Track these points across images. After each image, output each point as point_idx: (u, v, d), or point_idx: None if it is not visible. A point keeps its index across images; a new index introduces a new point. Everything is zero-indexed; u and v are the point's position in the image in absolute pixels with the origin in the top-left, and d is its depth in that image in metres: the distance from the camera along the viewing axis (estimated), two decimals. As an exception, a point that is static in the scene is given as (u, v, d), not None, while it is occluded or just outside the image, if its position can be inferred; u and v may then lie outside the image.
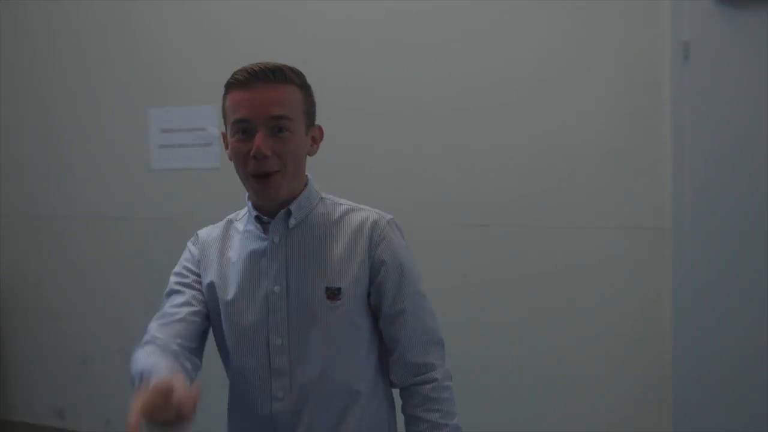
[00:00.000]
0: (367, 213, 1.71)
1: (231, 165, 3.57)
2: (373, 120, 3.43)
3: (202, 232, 1.80)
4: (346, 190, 1.89)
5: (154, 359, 1.49)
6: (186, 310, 1.66)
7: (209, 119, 3.77)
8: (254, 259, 1.67)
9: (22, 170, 4.40)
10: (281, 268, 1.65)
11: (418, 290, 1.71)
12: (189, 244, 1.80)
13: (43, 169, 4.33)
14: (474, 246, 3.28)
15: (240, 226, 1.75)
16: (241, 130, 1.60)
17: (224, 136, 1.69)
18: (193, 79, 3.82)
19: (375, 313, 1.70)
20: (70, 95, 4.21)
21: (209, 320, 1.72)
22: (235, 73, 1.62)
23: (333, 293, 1.63)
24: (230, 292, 1.67)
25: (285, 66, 1.63)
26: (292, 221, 1.67)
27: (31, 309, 4.46)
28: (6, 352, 4.58)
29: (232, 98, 1.61)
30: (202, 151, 3.81)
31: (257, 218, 1.70)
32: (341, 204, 1.74)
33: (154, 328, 1.63)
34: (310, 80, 1.71)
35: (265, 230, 1.68)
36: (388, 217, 1.72)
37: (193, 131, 3.83)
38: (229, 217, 1.81)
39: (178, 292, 1.71)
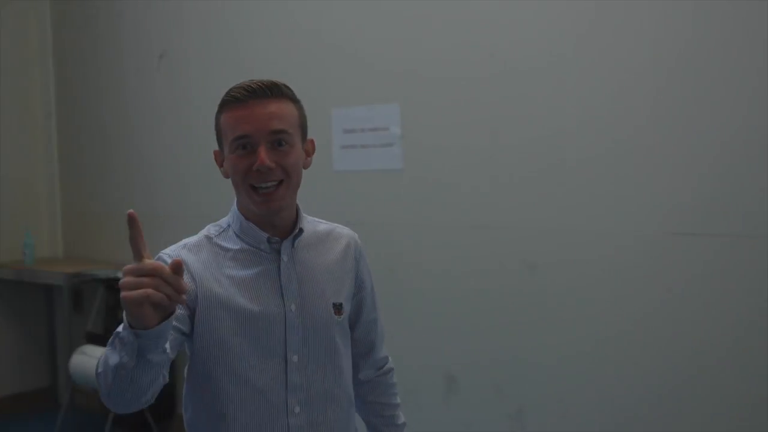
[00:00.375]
0: (342, 230, 1.86)
1: (414, 167, 3.49)
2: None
3: (179, 254, 1.68)
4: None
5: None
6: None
7: (392, 118, 3.63)
8: (265, 278, 1.68)
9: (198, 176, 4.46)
10: (294, 288, 1.69)
11: (378, 304, 1.94)
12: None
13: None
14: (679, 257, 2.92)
15: (227, 243, 1.72)
16: (242, 146, 1.63)
17: (216, 154, 1.74)
18: (376, 77, 3.70)
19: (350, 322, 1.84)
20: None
21: (179, 349, 1.65)
22: (230, 90, 1.66)
23: (338, 308, 1.74)
24: (244, 313, 1.65)
25: (278, 82, 1.68)
26: (299, 241, 1.74)
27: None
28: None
29: (229, 116, 1.65)
30: (384, 151, 3.68)
31: (265, 238, 1.70)
32: (318, 221, 1.85)
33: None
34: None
35: (271, 249, 1.71)
36: (356, 234, 1.88)
37: (375, 131, 3.71)
38: (206, 234, 1.76)
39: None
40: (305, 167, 1.75)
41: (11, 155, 5.37)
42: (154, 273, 1.30)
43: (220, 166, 1.73)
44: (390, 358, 2.00)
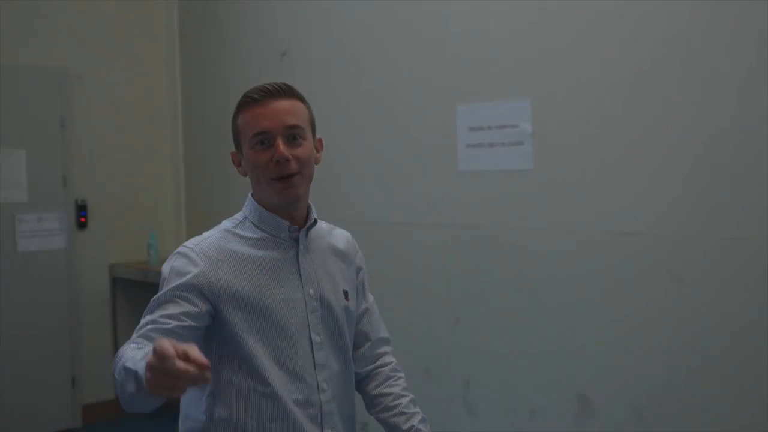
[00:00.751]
0: (340, 229, 2.03)
1: (545, 167, 3.19)
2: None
3: (201, 246, 1.79)
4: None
5: (143, 351, 1.50)
6: (174, 323, 1.66)
7: (521, 115, 3.37)
8: (285, 264, 1.82)
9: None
10: (312, 273, 1.84)
11: (372, 297, 2.08)
12: (190, 256, 1.76)
13: (344, 173, 4.23)
14: None
15: (246, 233, 1.84)
16: (260, 142, 1.77)
17: (234, 156, 1.87)
18: (505, 70, 3.45)
19: None
20: (375, 97, 4.06)
21: (216, 343, 1.76)
22: (246, 93, 1.80)
23: (346, 295, 1.91)
24: (269, 298, 1.77)
25: (289, 84, 1.83)
26: (311, 231, 1.89)
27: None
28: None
29: (248, 115, 1.79)
30: (512, 150, 3.42)
31: (287, 226, 1.83)
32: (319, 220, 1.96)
33: (142, 334, 1.65)
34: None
35: (289, 237, 1.84)
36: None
37: (503, 129, 3.46)
38: (224, 227, 1.86)
39: (172, 303, 1.70)
40: (316, 163, 1.87)
41: (139, 156, 5.43)
42: (180, 375, 1.28)
43: (238, 165, 1.86)
44: (396, 363, 2.05)
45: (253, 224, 1.84)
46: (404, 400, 1.95)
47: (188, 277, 1.71)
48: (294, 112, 1.80)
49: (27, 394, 4.86)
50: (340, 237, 1.99)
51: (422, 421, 1.93)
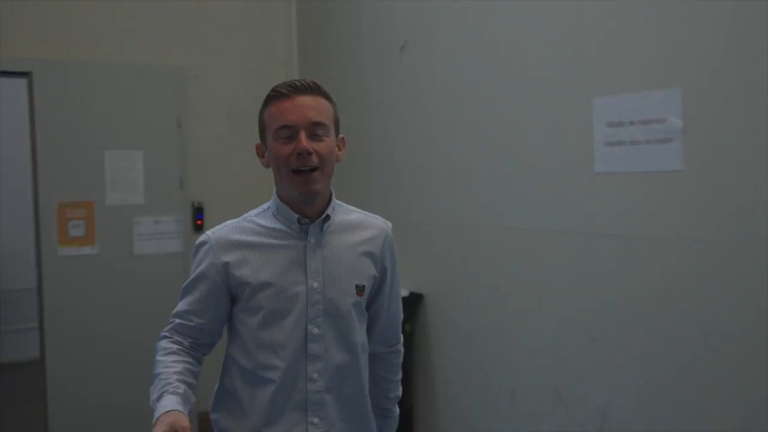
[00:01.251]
0: (376, 220, 2.04)
1: (699, 168, 2.71)
2: None
3: (222, 234, 1.94)
4: None
5: (171, 367, 1.86)
6: (198, 320, 1.94)
7: (670, 107, 2.92)
8: (293, 256, 1.90)
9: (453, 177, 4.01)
10: (319, 267, 1.90)
11: (398, 290, 2.13)
12: (206, 248, 1.94)
13: (467, 173, 3.89)
14: None
15: (264, 222, 1.94)
16: (284, 135, 1.85)
17: (258, 147, 1.97)
18: (651, 56, 3.01)
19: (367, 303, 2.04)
20: (501, 90, 3.70)
21: (227, 320, 1.97)
22: (276, 87, 1.88)
23: (360, 290, 1.95)
24: (271, 288, 1.88)
25: (317, 82, 1.90)
26: (328, 226, 1.94)
27: (460, 328, 4.05)
28: (435, 371, 4.23)
29: (274, 108, 1.87)
30: (659, 149, 2.98)
31: (296, 218, 1.91)
32: (353, 210, 2.04)
33: (175, 327, 1.96)
34: None
35: (300, 230, 1.92)
36: (390, 225, 2.07)
37: (647, 124, 3.02)
38: (246, 216, 1.98)
39: (193, 295, 1.95)
40: (338, 160, 1.94)
41: (256, 157, 5.25)
42: None
43: (262, 157, 1.96)
44: (401, 342, 2.21)
45: (272, 214, 1.95)
46: (391, 385, 2.20)
47: (204, 266, 1.92)
48: (319, 108, 1.87)
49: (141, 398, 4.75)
50: (369, 228, 2.03)
51: (392, 403, 2.22)
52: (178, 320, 1.95)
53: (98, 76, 4.77)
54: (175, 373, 1.83)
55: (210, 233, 1.95)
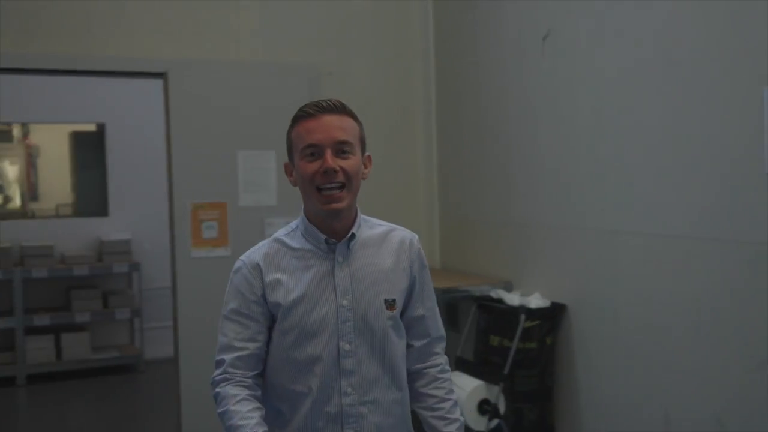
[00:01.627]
0: (401, 232, 2.08)
1: None
2: None
3: (255, 258, 1.98)
4: None
5: (250, 419, 1.88)
6: (253, 345, 1.96)
7: None
8: (321, 276, 1.95)
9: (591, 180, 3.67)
10: (347, 285, 1.96)
11: (434, 297, 2.14)
12: (244, 272, 1.98)
13: (623, 172, 3.53)
14: None
15: (293, 243, 1.99)
16: (310, 153, 1.91)
17: (287, 166, 2.01)
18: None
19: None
20: (653, 78, 3.32)
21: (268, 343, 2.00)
22: (303, 107, 1.95)
23: (390, 304, 1.99)
24: (302, 307, 1.93)
25: (342, 101, 1.96)
26: (354, 244, 1.99)
27: (606, 342, 3.71)
28: (579, 388, 3.90)
29: (301, 128, 1.94)
30: None
31: (323, 239, 1.96)
32: (378, 224, 2.08)
33: (230, 363, 1.95)
34: None
35: (328, 249, 1.97)
36: (416, 236, 2.10)
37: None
38: (276, 237, 2.01)
39: (240, 323, 1.96)
40: (364, 178, 1.99)
41: (390, 156, 5.06)
42: None
43: (290, 175, 2.00)
44: (446, 358, 2.15)
45: (301, 234, 1.99)
46: (447, 405, 2.09)
47: (244, 291, 1.95)
48: (344, 127, 1.92)
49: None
50: (395, 242, 2.05)
51: (459, 428, 2.08)
52: (232, 355, 1.95)
53: (232, 76, 4.70)
54: (257, 425, 1.87)
55: (245, 258, 2.00)
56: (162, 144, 4.75)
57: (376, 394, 1.97)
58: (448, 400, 2.10)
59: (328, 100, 1.94)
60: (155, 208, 6.55)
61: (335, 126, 1.91)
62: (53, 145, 7.45)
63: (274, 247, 1.99)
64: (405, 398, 2.05)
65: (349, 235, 1.97)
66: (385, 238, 2.04)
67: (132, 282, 7.15)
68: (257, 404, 1.92)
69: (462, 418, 2.11)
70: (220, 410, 1.89)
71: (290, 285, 1.94)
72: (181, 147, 4.61)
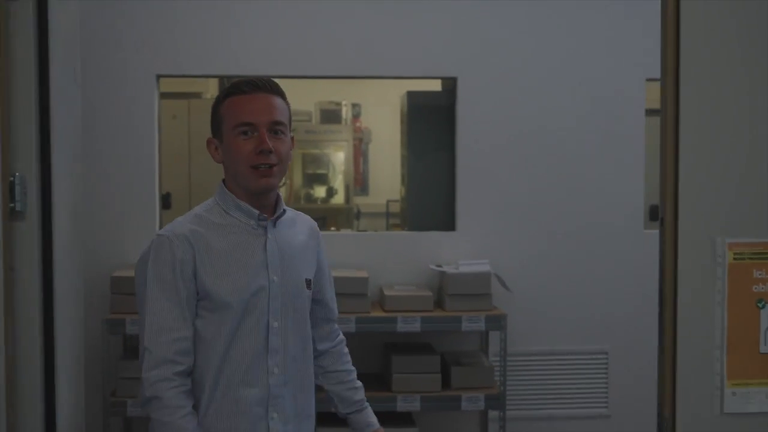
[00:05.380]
0: (305, 216, 2.15)
1: None
2: None
3: (180, 231, 1.90)
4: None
5: None
6: (189, 330, 1.88)
7: None
8: (252, 251, 1.93)
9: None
10: (277, 261, 1.96)
11: (332, 283, 2.23)
12: (171, 247, 1.89)
13: None
14: None
15: (217, 219, 1.95)
16: (244, 132, 1.90)
17: (210, 142, 1.98)
18: None
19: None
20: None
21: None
22: (236, 83, 1.95)
23: (308, 283, 2.05)
24: (234, 284, 1.90)
25: (274, 81, 1.98)
26: (280, 222, 2.00)
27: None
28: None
29: (234, 105, 1.92)
30: None
31: (257, 214, 1.95)
32: (287, 207, 2.08)
33: (170, 353, 1.85)
34: None
35: (258, 226, 1.96)
36: (314, 221, 2.17)
37: None
38: (196, 212, 1.97)
39: (173, 302, 1.87)
40: (289, 160, 2.01)
41: None
42: None
43: (214, 152, 1.98)
44: (340, 332, 2.24)
45: (223, 210, 1.96)
46: (353, 375, 2.21)
47: (170, 266, 1.86)
48: (280, 108, 1.95)
49: None
50: (305, 224, 2.10)
51: (362, 391, 2.20)
52: (169, 343, 1.85)
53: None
54: None
55: (167, 233, 1.91)
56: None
57: (295, 373, 1.97)
58: (353, 370, 2.21)
59: (261, 79, 1.94)
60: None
61: (271, 105, 1.92)
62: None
63: (198, 222, 1.93)
64: (312, 374, 2.06)
65: (281, 211, 1.98)
66: (296, 220, 2.07)
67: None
68: (196, 414, 1.86)
69: (361, 384, 2.20)
70: (163, 418, 1.82)
71: (221, 261, 1.89)
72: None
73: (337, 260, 4.22)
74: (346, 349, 2.23)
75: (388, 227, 6.67)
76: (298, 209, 2.14)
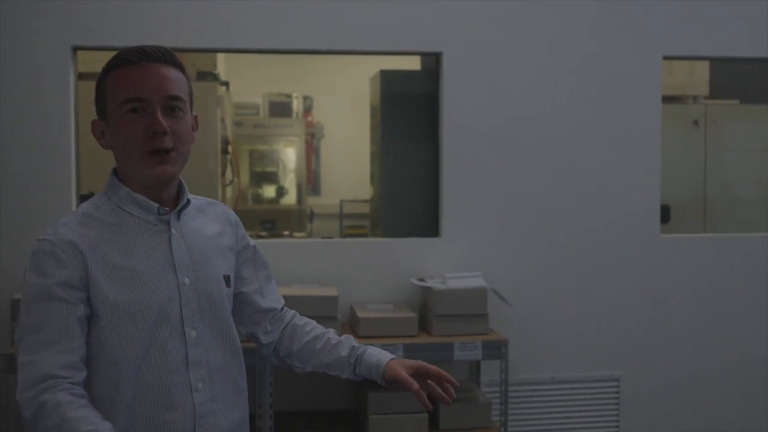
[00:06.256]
0: (216, 203, 1.86)
1: None
2: None
3: (65, 235, 1.60)
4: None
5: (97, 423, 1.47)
6: (78, 342, 1.56)
7: None
8: (154, 252, 1.66)
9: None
10: (186, 259, 1.68)
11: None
12: (54, 251, 1.58)
13: None
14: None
15: (111, 218, 1.66)
16: (133, 110, 1.61)
17: (95, 125, 1.68)
18: None
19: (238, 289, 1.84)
20: None
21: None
22: (119, 53, 1.63)
23: (227, 281, 1.76)
24: (137, 292, 1.61)
25: (169, 49, 1.67)
26: (185, 214, 1.72)
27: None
28: None
29: (119, 78, 1.62)
30: None
31: (156, 208, 1.67)
32: (191, 196, 1.79)
33: (53, 367, 1.51)
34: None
35: (158, 221, 1.68)
36: (226, 205, 1.91)
37: None
38: (84, 210, 1.67)
39: (56, 311, 1.56)
40: (191, 141, 1.71)
41: None
42: None
43: (101, 137, 1.68)
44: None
45: (116, 205, 1.67)
46: (329, 334, 1.86)
47: (56, 277, 1.56)
48: (175, 80, 1.65)
49: None
50: (218, 214, 1.82)
51: (349, 340, 1.84)
52: (53, 356, 1.51)
53: None
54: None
55: (50, 237, 1.59)
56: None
57: (223, 386, 1.71)
58: (321, 330, 1.88)
59: (153, 47, 1.64)
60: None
61: (164, 77, 1.62)
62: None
63: (87, 222, 1.64)
64: (246, 388, 1.80)
65: (185, 202, 1.71)
66: (206, 208, 1.80)
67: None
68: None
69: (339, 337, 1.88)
70: (48, 422, 1.44)
71: (120, 268, 1.60)
72: None
73: (295, 273, 3.52)
74: (304, 318, 1.93)
75: (342, 230, 6.31)
76: (244, 210, 1.87)
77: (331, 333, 1.86)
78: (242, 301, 1.85)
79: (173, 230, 1.69)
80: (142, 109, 1.60)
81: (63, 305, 1.55)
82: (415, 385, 1.70)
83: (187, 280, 1.67)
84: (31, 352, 1.52)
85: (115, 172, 1.69)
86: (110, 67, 1.64)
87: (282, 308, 1.92)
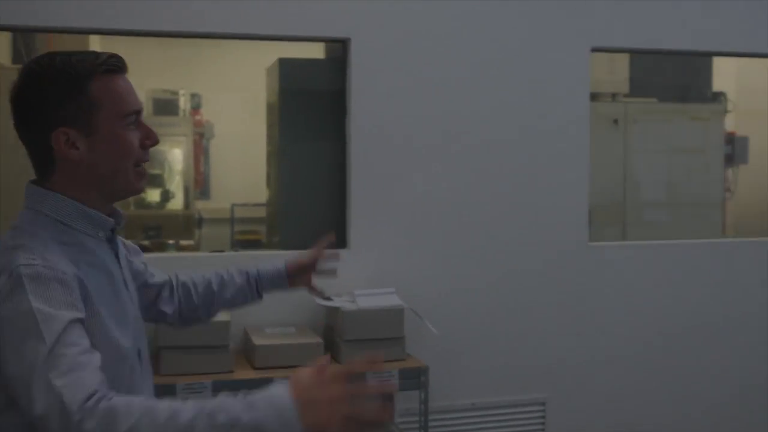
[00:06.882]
0: None
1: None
2: None
3: (51, 259, 1.40)
4: None
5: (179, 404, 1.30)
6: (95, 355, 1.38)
7: None
8: (115, 278, 1.55)
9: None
10: (130, 280, 1.64)
11: None
12: (49, 277, 1.38)
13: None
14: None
15: (65, 237, 1.48)
16: (133, 122, 1.54)
17: (66, 134, 1.46)
18: None
19: None
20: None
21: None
22: (110, 57, 1.51)
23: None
24: (123, 321, 1.52)
25: None
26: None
27: None
28: None
29: (115, 86, 1.50)
30: None
31: (111, 224, 1.56)
32: None
33: (95, 383, 1.31)
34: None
35: (108, 240, 1.58)
36: None
37: None
38: (41, 236, 1.45)
39: (82, 335, 1.38)
40: None
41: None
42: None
43: (71, 147, 1.47)
44: None
45: (63, 224, 1.49)
46: (218, 273, 1.91)
47: (63, 300, 1.36)
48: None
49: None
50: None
51: (236, 267, 1.92)
52: (84, 381, 1.29)
53: None
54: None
55: (39, 260, 1.38)
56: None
57: None
58: (209, 272, 1.91)
59: (117, 54, 1.53)
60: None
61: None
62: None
63: (62, 248, 1.45)
64: None
65: (124, 219, 1.62)
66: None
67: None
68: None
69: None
70: (128, 424, 1.24)
71: (104, 298, 1.47)
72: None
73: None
74: (184, 273, 1.91)
75: (233, 235, 5.93)
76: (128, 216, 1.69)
77: (218, 271, 1.90)
78: (141, 289, 1.78)
79: (120, 251, 1.61)
80: (136, 122, 1.54)
81: (80, 326, 1.39)
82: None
83: (134, 298, 1.62)
84: (60, 378, 1.30)
85: (50, 187, 1.50)
86: (92, 73, 1.48)
87: (169, 277, 1.90)
